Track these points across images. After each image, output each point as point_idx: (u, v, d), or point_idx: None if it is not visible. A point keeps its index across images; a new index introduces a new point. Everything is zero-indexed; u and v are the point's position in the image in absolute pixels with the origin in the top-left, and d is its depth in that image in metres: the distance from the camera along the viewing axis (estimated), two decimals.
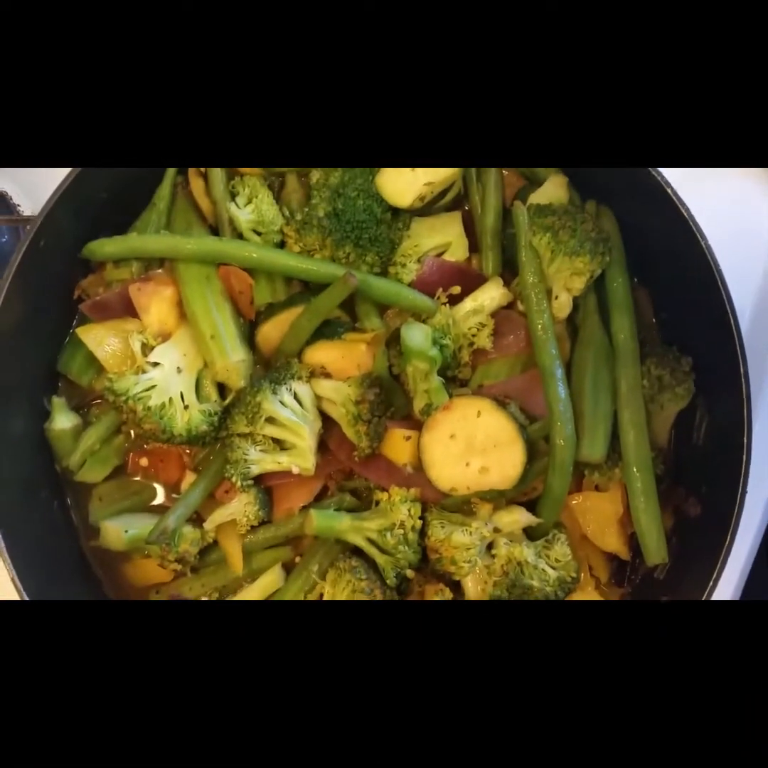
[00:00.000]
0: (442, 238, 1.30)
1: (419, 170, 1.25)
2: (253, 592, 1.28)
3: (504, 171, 1.34)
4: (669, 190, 1.13)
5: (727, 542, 1.11)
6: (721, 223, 1.39)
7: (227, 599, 1.30)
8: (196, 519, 1.29)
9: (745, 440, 1.09)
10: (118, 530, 1.28)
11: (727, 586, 1.37)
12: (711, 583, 1.12)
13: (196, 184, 1.31)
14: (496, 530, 1.22)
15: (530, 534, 1.25)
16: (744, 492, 1.09)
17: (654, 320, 1.33)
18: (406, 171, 1.25)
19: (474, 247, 1.32)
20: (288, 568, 1.30)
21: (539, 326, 1.20)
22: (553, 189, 1.26)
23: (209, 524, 1.28)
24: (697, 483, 1.23)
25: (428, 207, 1.31)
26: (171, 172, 1.32)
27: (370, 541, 1.23)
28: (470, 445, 1.19)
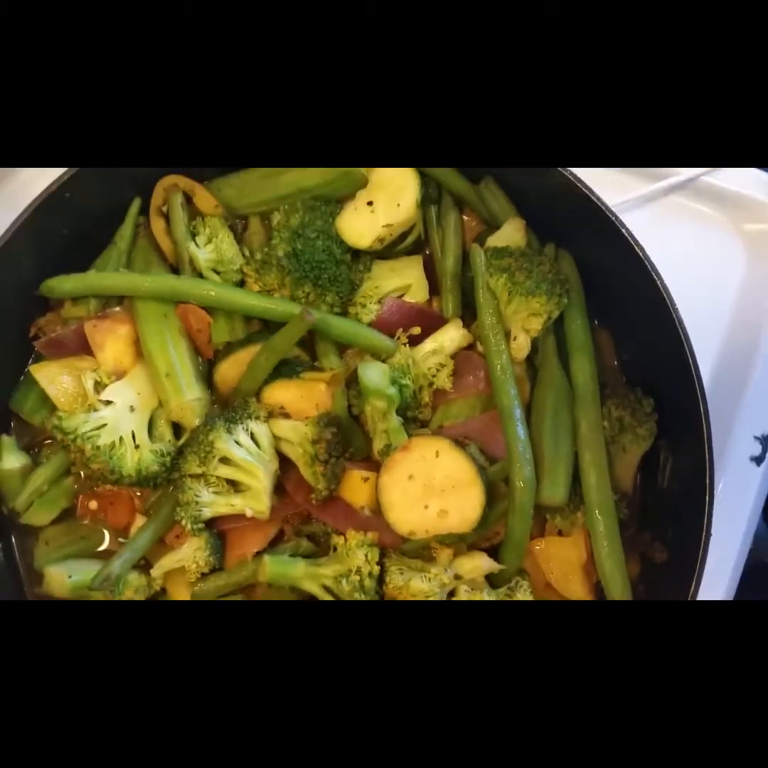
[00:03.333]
0: (402, 280, 1.31)
1: (378, 213, 1.26)
2: None
3: (464, 216, 1.36)
4: (624, 231, 1.15)
5: (693, 588, 1.07)
6: (688, 267, 1.44)
7: None
8: (144, 565, 1.24)
9: (708, 482, 1.07)
10: (62, 576, 1.22)
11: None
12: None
13: (157, 223, 1.32)
14: (457, 577, 1.18)
15: (493, 581, 1.20)
16: (708, 535, 1.06)
17: (616, 362, 1.33)
18: (365, 214, 1.27)
19: (434, 289, 1.32)
20: None
21: (498, 367, 1.19)
22: (510, 232, 1.27)
23: (157, 570, 1.22)
24: (663, 527, 1.20)
25: (389, 249, 1.32)
26: (133, 211, 1.33)
27: (326, 588, 1.18)
28: (429, 486, 1.16)
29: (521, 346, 1.21)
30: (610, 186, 1.43)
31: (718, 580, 1.34)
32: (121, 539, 1.28)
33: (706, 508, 1.07)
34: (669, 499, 1.20)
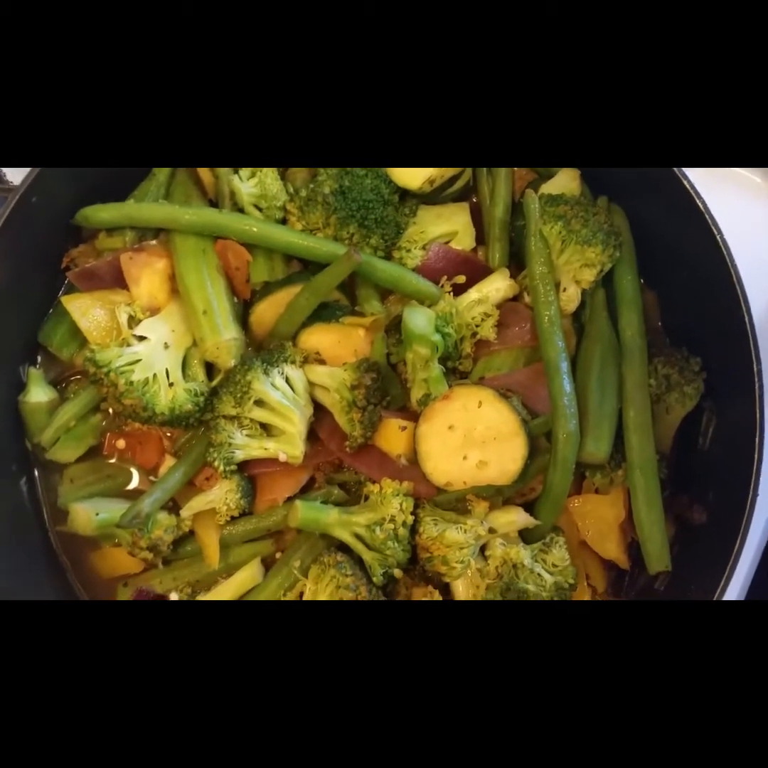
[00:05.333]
0: (448, 226, 1.28)
1: None
2: (228, 588, 1.20)
3: None
4: (686, 183, 1.11)
5: (736, 551, 1.05)
6: (730, 229, 1.40)
7: (200, 596, 1.21)
8: (173, 507, 1.22)
9: (757, 441, 1.05)
10: (89, 513, 1.20)
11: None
12: (717, 596, 1.06)
13: None
14: (492, 530, 1.16)
15: (526, 537, 1.19)
16: (755, 496, 1.05)
17: (660, 324, 1.30)
18: None
19: (480, 239, 1.29)
20: (268, 564, 1.22)
21: (546, 318, 1.16)
22: (565, 180, 1.24)
23: (186, 511, 1.20)
24: (702, 490, 1.18)
25: (436, 194, 1.29)
26: None
27: (358, 536, 1.16)
28: (469, 437, 1.14)
29: (572, 297, 1.18)
30: None
31: (753, 535, 1.32)
32: (151, 478, 1.25)
33: (754, 469, 1.05)
34: (710, 461, 1.18)
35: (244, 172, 1.25)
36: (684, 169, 1.12)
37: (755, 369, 1.06)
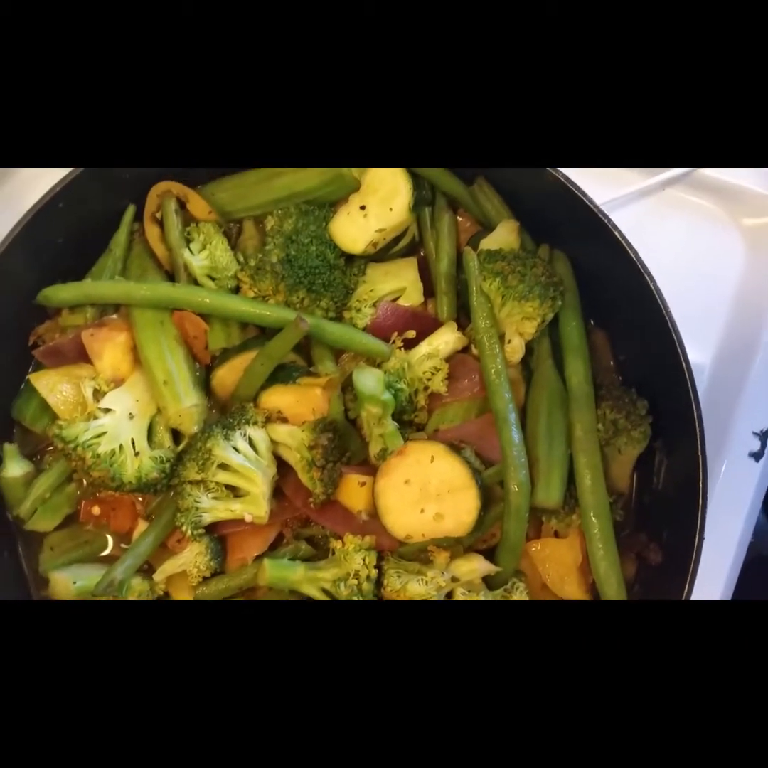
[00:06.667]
0: (397, 283, 1.31)
1: (371, 217, 1.26)
2: None
3: (458, 218, 1.35)
4: (616, 233, 1.14)
5: (687, 589, 1.07)
6: (686, 261, 1.43)
7: None
8: (147, 570, 1.26)
9: (700, 485, 1.07)
10: (67, 582, 1.24)
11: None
12: None
13: (152, 230, 1.32)
14: (454, 579, 1.19)
15: (489, 583, 1.21)
16: (702, 537, 1.07)
17: (612, 363, 1.32)
18: (357, 219, 1.27)
19: (429, 292, 1.32)
20: None
21: (493, 370, 1.19)
22: (504, 234, 1.26)
23: (159, 575, 1.24)
24: (658, 528, 1.20)
25: (383, 253, 1.32)
26: (128, 218, 1.33)
27: (325, 591, 1.19)
28: (425, 490, 1.17)
29: (515, 349, 1.20)
30: (607, 179, 1.44)
31: (717, 575, 1.34)
32: (123, 545, 1.30)
33: (699, 511, 1.07)
34: (664, 500, 1.20)
35: (195, 244, 1.29)
36: (613, 213, 1.15)
37: (696, 415, 1.08)
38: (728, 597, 1.36)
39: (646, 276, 1.11)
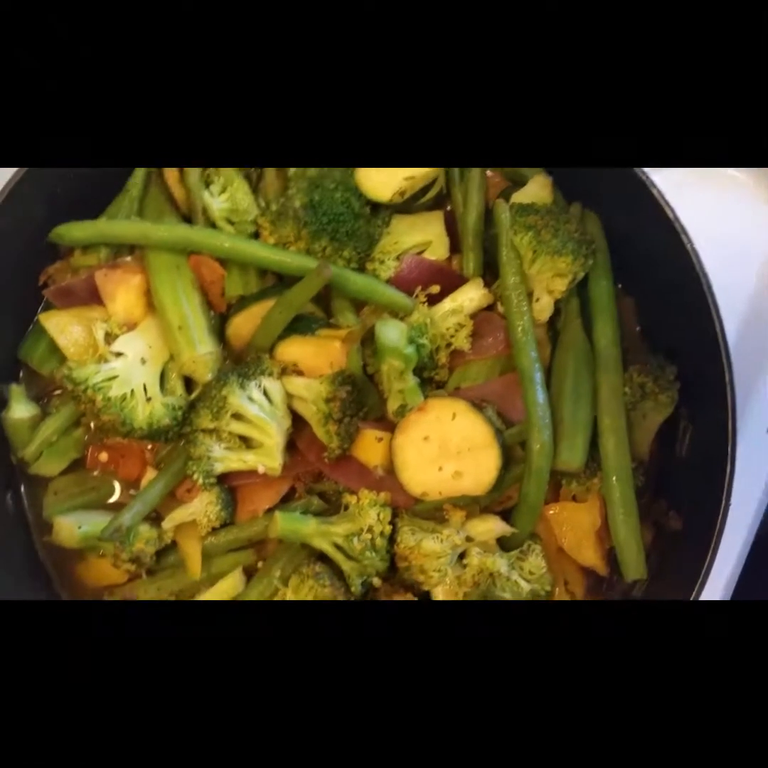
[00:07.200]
0: (422, 236, 1.27)
1: None
2: (211, 597, 1.21)
3: (488, 171, 1.31)
4: (654, 191, 1.10)
5: (709, 558, 1.06)
6: (712, 230, 1.39)
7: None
8: (155, 518, 1.23)
9: (730, 450, 1.05)
10: (72, 526, 1.22)
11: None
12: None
13: (171, 171, 1.27)
14: (469, 539, 1.17)
15: (504, 544, 1.20)
16: (727, 505, 1.05)
17: (638, 329, 1.30)
18: None
19: (455, 247, 1.28)
20: (249, 573, 1.24)
21: (519, 328, 1.16)
22: (536, 189, 1.23)
23: (168, 523, 1.21)
24: (678, 496, 1.18)
25: (409, 204, 1.28)
26: None
27: (337, 546, 1.17)
28: (444, 448, 1.15)
29: (544, 307, 1.17)
30: None
31: (729, 550, 1.33)
32: (132, 491, 1.27)
33: (727, 478, 1.05)
34: (686, 468, 1.18)
35: (215, 186, 1.25)
36: (653, 176, 1.11)
37: (727, 379, 1.06)
38: (739, 569, 1.35)
39: (684, 236, 1.08)
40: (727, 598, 1.34)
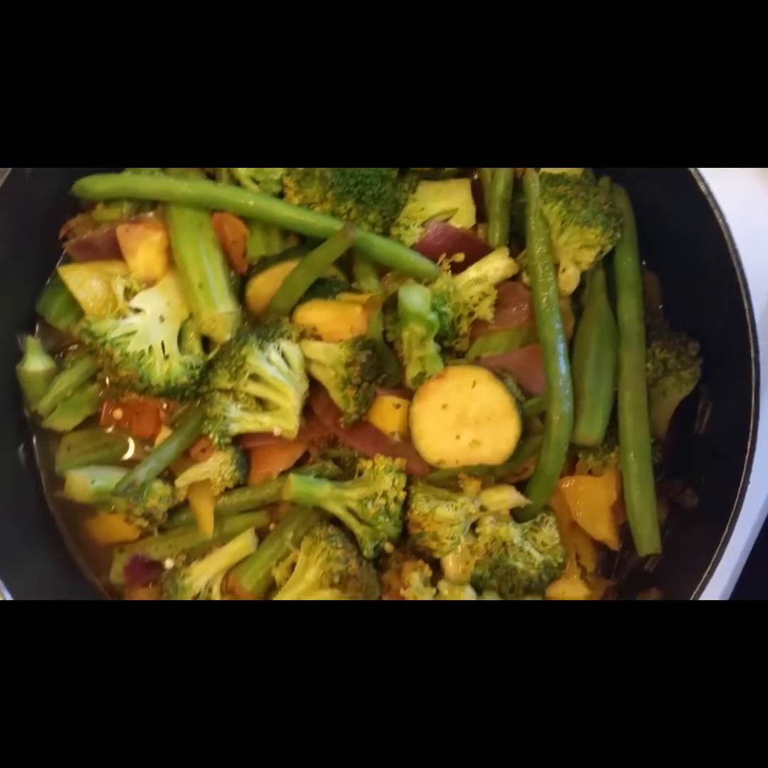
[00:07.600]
0: (448, 203, 1.26)
1: None
2: (222, 557, 1.21)
3: None
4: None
5: (725, 536, 1.06)
6: (738, 210, 1.38)
7: (195, 563, 1.22)
8: (168, 476, 1.23)
9: (751, 428, 1.05)
10: (85, 481, 1.21)
11: (720, 581, 1.31)
12: (703, 579, 1.07)
13: None
14: (483, 508, 1.17)
15: (517, 516, 1.20)
16: (746, 483, 1.04)
17: (661, 307, 1.29)
18: None
19: (481, 216, 1.27)
20: (261, 535, 1.24)
21: (544, 299, 1.15)
22: None
23: (181, 481, 1.21)
24: (696, 474, 1.18)
25: (436, 170, 1.26)
26: None
27: (350, 510, 1.17)
28: (463, 416, 1.14)
29: (570, 278, 1.16)
30: None
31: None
32: (146, 448, 1.26)
33: (747, 455, 1.05)
34: (705, 445, 1.18)
35: None
36: None
37: (753, 356, 1.05)
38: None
39: (716, 211, 1.07)
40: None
